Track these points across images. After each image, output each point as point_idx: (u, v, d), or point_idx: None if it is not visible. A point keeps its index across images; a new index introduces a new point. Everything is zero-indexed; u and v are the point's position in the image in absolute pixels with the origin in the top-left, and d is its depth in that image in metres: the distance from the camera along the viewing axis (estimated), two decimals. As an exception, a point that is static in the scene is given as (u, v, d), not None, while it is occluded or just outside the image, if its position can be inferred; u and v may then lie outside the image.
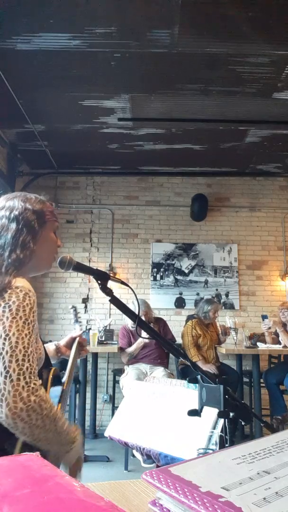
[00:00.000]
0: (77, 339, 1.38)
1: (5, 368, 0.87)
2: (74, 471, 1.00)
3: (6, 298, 0.95)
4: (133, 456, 3.25)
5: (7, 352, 0.88)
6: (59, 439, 0.91)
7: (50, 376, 1.08)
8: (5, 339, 0.90)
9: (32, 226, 1.08)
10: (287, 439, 0.52)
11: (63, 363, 1.42)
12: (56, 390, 1.14)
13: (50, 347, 1.37)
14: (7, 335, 0.90)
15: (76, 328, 1.53)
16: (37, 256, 1.10)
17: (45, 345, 1.36)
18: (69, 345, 1.38)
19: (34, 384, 0.88)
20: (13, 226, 1.06)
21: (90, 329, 4.38)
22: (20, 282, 1.00)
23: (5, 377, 0.86)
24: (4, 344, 0.89)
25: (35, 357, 0.93)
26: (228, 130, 3.97)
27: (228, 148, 4.38)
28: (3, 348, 0.89)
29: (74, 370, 1.30)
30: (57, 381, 1.14)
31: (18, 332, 0.91)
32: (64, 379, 1.22)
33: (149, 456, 0.95)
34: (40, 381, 0.91)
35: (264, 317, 3.95)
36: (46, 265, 1.17)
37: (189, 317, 4.11)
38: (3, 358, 0.88)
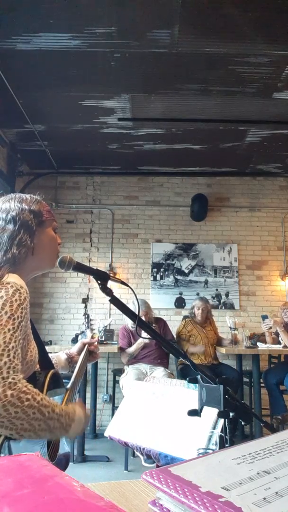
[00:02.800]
0: (87, 345, 1.37)
1: None
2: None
3: None
4: (133, 456, 3.26)
5: None
6: (49, 424, 0.89)
7: (47, 379, 1.07)
8: None
9: (29, 225, 1.08)
10: (287, 439, 0.52)
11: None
12: (58, 396, 1.13)
13: (62, 356, 1.35)
14: None
15: (87, 334, 1.52)
16: (37, 255, 1.10)
17: (56, 354, 1.35)
18: (80, 352, 1.36)
19: (13, 378, 0.86)
20: (10, 227, 1.06)
21: (92, 328, 4.38)
22: (13, 278, 0.99)
23: None
24: None
25: (18, 354, 0.90)
26: (228, 130, 3.97)
27: (228, 148, 4.38)
28: None
29: (81, 375, 1.28)
30: (57, 384, 1.12)
31: (0, 327, 0.89)
32: (70, 384, 1.20)
33: (149, 456, 0.95)
34: (21, 376, 0.88)
35: (264, 317, 3.95)
36: (49, 263, 1.17)
37: (185, 317, 4.20)
38: None
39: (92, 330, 1.69)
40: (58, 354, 1.36)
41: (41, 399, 0.89)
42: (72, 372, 1.28)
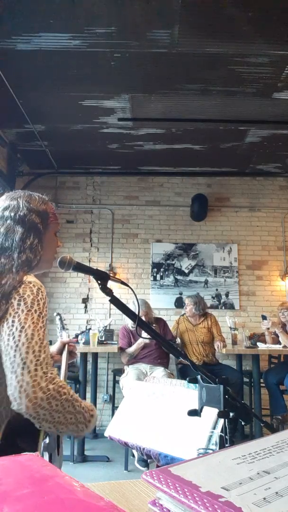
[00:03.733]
0: (67, 345, 1.41)
1: (22, 359, 0.89)
2: None
3: (21, 292, 0.96)
4: (133, 456, 3.25)
5: (23, 344, 0.90)
6: (78, 418, 0.96)
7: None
8: (20, 331, 0.91)
9: (38, 229, 1.09)
10: (287, 439, 0.52)
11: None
12: None
13: None
14: (22, 327, 0.91)
15: (63, 335, 1.57)
16: (42, 257, 1.12)
17: None
18: (60, 351, 1.40)
19: (51, 373, 0.91)
20: (20, 229, 1.07)
21: (90, 329, 4.38)
22: (32, 278, 1.02)
23: (23, 368, 0.88)
24: (20, 336, 0.91)
25: (49, 349, 0.96)
26: (228, 130, 3.97)
27: (228, 148, 4.38)
28: (19, 340, 0.90)
29: (67, 374, 1.32)
30: None
31: (33, 325, 0.92)
32: None
33: (149, 456, 0.95)
34: (56, 371, 0.95)
35: (264, 317, 3.95)
36: (48, 265, 1.20)
37: (182, 314, 4.26)
38: (20, 350, 0.89)
39: (66, 330, 1.73)
40: None
41: (73, 393, 0.96)
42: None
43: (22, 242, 1.05)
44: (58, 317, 1.79)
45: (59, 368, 1.34)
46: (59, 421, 0.91)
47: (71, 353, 1.42)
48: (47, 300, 1.02)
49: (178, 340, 4.01)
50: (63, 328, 1.74)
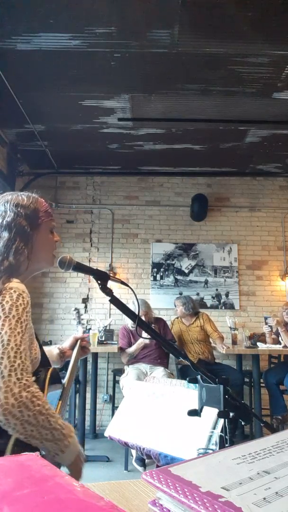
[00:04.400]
0: (79, 340, 1.39)
1: None
2: (75, 471, 0.99)
3: (0, 299, 0.96)
4: (132, 455, 3.25)
5: None
6: (54, 435, 0.90)
7: (48, 376, 1.09)
8: None
9: (25, 232, 1.08)
10: (287, 439, 0.52)
11: (66, 363, 1.43)
12: (56, 391, 1.15)
13: (54, 351, 1.37)
14: None
15: (78, 329, 1.55)
16: (34, 258, 1.11)
17: (48, 348, 1.37)
18: (72, 347, 1.39)
19: (26, 380, 0.88)
20: (5, 234, 1.06)
21: (90, 329, 4.38)
22: (14, 284, 1.01)
23: None
24: None
25: (28, 355, 0.93)
26: (228, 130, 3.97)
27: (228, 148, 4.38)
28: None
29: (75, 370, 1.30)
30: (56, 380, 1.14)
31: (10, 330, 0.91)
32: (65, 380, 1.22)
33: (149, 456, 0.95)
34: (34, 378, 0.91)
35: (266, 318, 3.96)
36: (47, 263, 1.18)
37: (177, 316, 4.29)
38: None
39: (83, 325, 1.70)
40: (50, 349, 1.38)
41: (49, 407, 0.91)
42: (66, 367, 1.31)
43: (6, 248, 1.05)
44: (75, 312, 1.77)
45: (67, 363, 1.33)
46: (32, 435, 0.87)
47: (83, 349, 1.41)
48: (29, 305, 1.00)
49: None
50: (79, 322, 1.72)
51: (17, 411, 0.84)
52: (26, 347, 0.93)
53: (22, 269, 1.08)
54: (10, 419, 0.84)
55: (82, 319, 1.65)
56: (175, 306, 4.22)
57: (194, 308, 4.14)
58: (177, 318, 4.21)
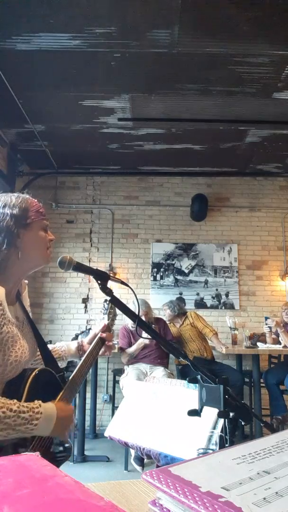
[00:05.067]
0: (99, 334, 1.29)
1: None
2: (61, 432, 1.02)
3: None
4: (132, 455, 3.26)
5: None
6: (10, 423, 0.91)
7: (30, 378, 1.05)
8: None
9: (10, 232, 1.07)
10: (287, 439, 0.52)
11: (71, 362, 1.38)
12: (51, 388, 1.11)
13: (72, 346, 1.34)
14: None
15: (101, 322, 1.38)
16: (24, 258, 1.10)
17: (67, 342, 1.35)
18: (91, 342, 1.30)
19: None
20: None
21: (90, 329, 4.38)
22: None
23: None
24: None
25: None
26: (228, 130, 3.97)
27: (228, 148, 4.38)
28: None
29: (88, 366, 1.21)
30: (44, 380, 1.10)
31: None
32: (73, 373, 1.16)
33: (149, 456, 0.95)
34: None
35: (266, 318, 3.96)
36: (40, 262, 1.16)
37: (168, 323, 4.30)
38: None
39: (108, 315, 1.41)
40: (69, 343, 1.35)
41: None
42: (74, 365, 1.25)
43: None
44: (106, 303, 1.57)
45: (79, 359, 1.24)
46: None
47: (104, 343, 1.28)
48: (3, 304, 0.99)
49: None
50: (105, 313, 1.54)
51: None
52: None
53: (10, 268, 1.07)
54: None
55: (111, 310, 1.44)
56: (164, 311, 4.26)
57: (180, 309, 4.19)
58: (169, 323, 4.21)
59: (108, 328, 1.33)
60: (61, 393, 1.10)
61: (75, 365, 1.21)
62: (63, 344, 1.34)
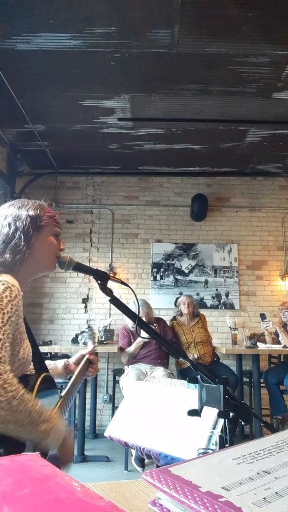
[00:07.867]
0: (87, 356, 1.34)
1: None
2: (66, 454, 0.99)
3: None
4: (132, 455, 3.26)
5: None
6: (31, 419, 0.89)
7: (38, 381, 1.05)
8: None
9: (26, 231, 1.08)
10: (287, 439, 0.52)
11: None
12: (51, 397, 1.11)
13: (59, 364, 1.35)
14: None
15: (89, 344, 1.48)
16: (34, 259, 1.11)
17: (55, 361, 1.35)
18: (78, 363, 1.34)
19: None
20: (5, 230, 1.07)
21: (89, 327, 4.37)
22: (4, 277, 1.01)
23: None
24: None
25: (6, 346, 0.92)
26: (228, 130, 3.97)
27: (228, 148, 4.38)
28: None
29: (77, 386, 1.24)
30: (48, 385, 1.10)
31: None
32: (63, 393, 1.17)
33: (149, 456, 0.95)
34: (8, 368, 0.89)
35: (262, 315, 3.94)
36: (47, 268, 1.17)
37: (172, 319, 4.20)
38: None
39: (94, 342, 1.58)
40: (56, 362, 1.36)
41: (24, 393, 0.89)
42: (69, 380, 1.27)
43: (4, 244, 1.06)
44: (88, 329, 1.69)
45: (69, 379, 1.27)
46: (7, 420, 0.85)
47: (90, 363, 1.33)
48: (17, 300, 0.98)
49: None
50: (90, 338, 1.64)
51: None
52: (4, 337, 0.92)
53: (18, 267, 1.08)
54: None
55: (95, 335, 1.55)
56: (182, 304, 4.08)
57: (196, 308, 4.15)
58: (175, 320, 4.12)
59: (95, 352, 1.40)
60: (59, 402, 1.10)
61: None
62: (50, 362, 1.34)
